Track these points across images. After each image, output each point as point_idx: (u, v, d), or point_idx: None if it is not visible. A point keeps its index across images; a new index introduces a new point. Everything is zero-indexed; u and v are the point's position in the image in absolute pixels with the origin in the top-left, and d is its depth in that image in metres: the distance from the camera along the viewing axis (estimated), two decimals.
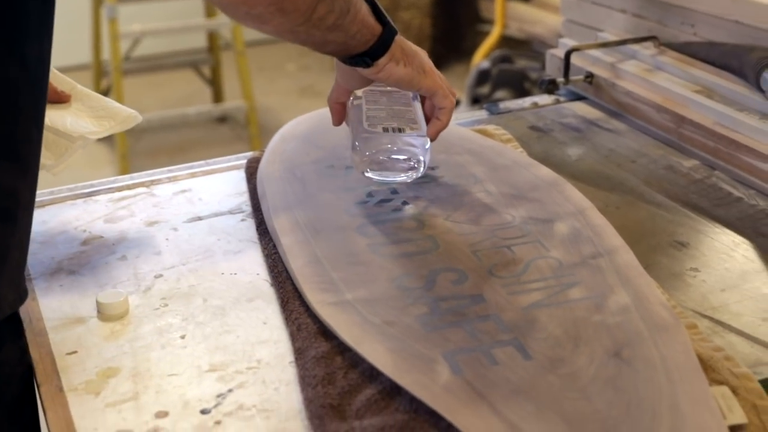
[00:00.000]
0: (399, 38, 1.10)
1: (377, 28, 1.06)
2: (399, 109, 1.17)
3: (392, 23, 1.09)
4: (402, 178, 1.16)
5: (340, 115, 1.18)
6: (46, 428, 0.83)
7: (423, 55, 1.14)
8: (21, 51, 0.88)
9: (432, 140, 1.15)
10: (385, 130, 1.13)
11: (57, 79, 1.15)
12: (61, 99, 1.15)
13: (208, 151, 3.36)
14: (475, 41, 4.19)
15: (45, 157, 1.08)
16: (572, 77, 1.54)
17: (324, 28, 1.01)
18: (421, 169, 1.15)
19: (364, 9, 1.05)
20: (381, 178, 1.15)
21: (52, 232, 1.14)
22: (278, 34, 1.02)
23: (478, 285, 0.97)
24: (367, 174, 1.15)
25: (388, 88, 1.19)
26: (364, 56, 1.07)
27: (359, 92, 1.18)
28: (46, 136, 1.08)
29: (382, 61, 1.08)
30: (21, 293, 0.94)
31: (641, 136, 1.42)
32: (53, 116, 1.11)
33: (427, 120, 1.16)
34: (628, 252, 1.02)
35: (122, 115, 1.15)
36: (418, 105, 1.18)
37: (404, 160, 1.15)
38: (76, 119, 1.13)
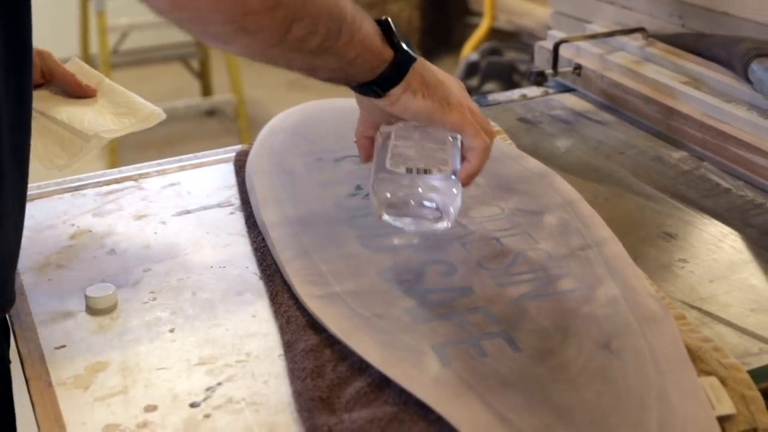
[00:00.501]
0: (420, 65, 0.97)
1: (387, 54, 0.94)
2: (431, 147, 1.01)
3: (409, 48, 0.96)
4: (424, 226, 1.01)
5: (367, 151, 1.05)
6: (35, 423, 0.83)
7: (452, 85, 1.01)
8: None
9: (463, 185, 1.00)
10: (409, 170, 0.99)
11: (84, 71, 1.14)
12: (86, 94, 1.13)
13: (197, 145, 3.35)
14: (464, 33, 4.18)
15: (58, 156, 1.07)
16: (561, 69, 1.54)
17: (306, 51, 0.88)
18: (448, 218, 1.00)
19: (369, 31, 0.93)
20: (399, 224, 1.01)
21: (40, 226, 1.14)
22: (250, 57, 0.91)
23: (467, 277, 0.97)
24: (384, 218, 1.00)
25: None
26: (372, 85, 0.95)
27: (389, 128, 1.03)
28: (61, 133, 1.08)
29: (396, 91, 0.95)
30: (4, 301, 0.93)
31: (630, 128, 1.42)
32: (72, 112, 1.09)
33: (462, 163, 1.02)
34: (616, 243, 1.02)
35: (144, 112, 1.13)
36: (456, 143, 1.01)
37: (427, 206, 1.00)
38: (96, 117, 1.10)
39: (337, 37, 0.89)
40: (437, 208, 0.99)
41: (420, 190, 0.99)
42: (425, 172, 0.99)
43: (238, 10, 0.81)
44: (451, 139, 1.01)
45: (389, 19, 0.96)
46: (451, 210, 0.99)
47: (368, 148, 1.04)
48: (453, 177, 0.99)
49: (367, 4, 4.54)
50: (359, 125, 1.05)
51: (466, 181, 1.00)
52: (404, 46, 0.95)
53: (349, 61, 0.92)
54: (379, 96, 0.96)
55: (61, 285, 1.02)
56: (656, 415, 0.77)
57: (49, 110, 1.09)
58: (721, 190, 1.21)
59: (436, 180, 0.99)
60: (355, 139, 1.05)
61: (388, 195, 0.99)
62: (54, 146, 1.08)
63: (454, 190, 0.99)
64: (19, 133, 0.91)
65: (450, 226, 1.00)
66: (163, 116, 1.15)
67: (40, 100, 1.10)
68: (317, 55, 0.90)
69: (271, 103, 4.14)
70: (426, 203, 0.99)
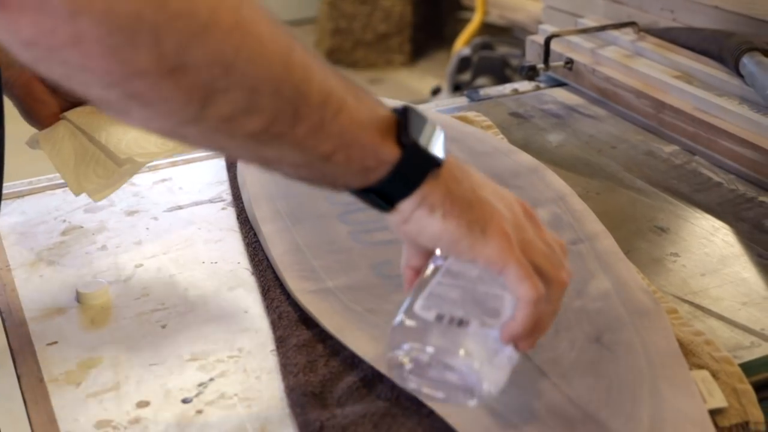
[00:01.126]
0: (450, 172, 0.71)
1: (389, 152, 0.69)
2: (485, 292, 0.73)
3: (432, 145, 0.70)
4: (454, 398, 0.73)
5: (411, 285, 0.77)
6: (27, 419, 0.82)
7: (498, 203, 0.73)
8: None
9: (517, 349, 0.73)
10: (440, 318, 0.72)
11: None
12: None
13: None
14: (456, 28, 4.18)
15: (88, 180, 1.00)
16: (552, 63, 1.54)
17: (243, 136, 0.64)
18: (477, 393, 0.72)
19: (360, 115, 0.68)
20: (414, 386, 0.73)
21: (32, 222, 1.13)
22: (162, 135, 0.72)
23: None
24: (394, 375, 0.74)
25: None
26: (369, 193, 0.71)
27: (444, 258, 0.75)
28: (96, 155, 1.01)
29: (406, 205, 0.70)
30: None
31: (621, 122, 1.42)
32: (114, 132, 1.01)
33: None
34: (608, 237, 1.02)
35: None
36: None
37: (455, 372, 0.71)
38: (139, 138, 1.01)
39: (293, 121, 0.64)
40: (463, 377, 0.71)
41: (445, 349, 0.71)
42: (460, 323, 0.71)
43: (119, 71, 0.57)
44: None
45: (410, 107, 0.72)
46: (485, 384, 0.71)
47: (413, 281, 0.77)
48: (497, 334, 0.72)
49: (359, 1, 4.54)
50: (404, 252, 0.78)
51: (506, 340, 0.72)
52: (423, 143, 0.70)
53: (321, 156, 0.67)
54: (384, 210, 0.72)
55: (52, 281, 1.02)
56: (648, 409, 0.77)
57: (89, 127, 1.01)
58: (713, 184, 1.22)
59: (474, 338, 0.71)
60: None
61: (404, 347, 0.72)
62: (87, 169, 1.00)
63: (500, 355, 0.72)
64: None
65: (482, 401, 0.72)
66: None
67: (85, 115, 1.02)
68: (264, 144, 0.65)
69: None
70: (449, 368, 0.71)
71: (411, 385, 0.73)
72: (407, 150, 0.69)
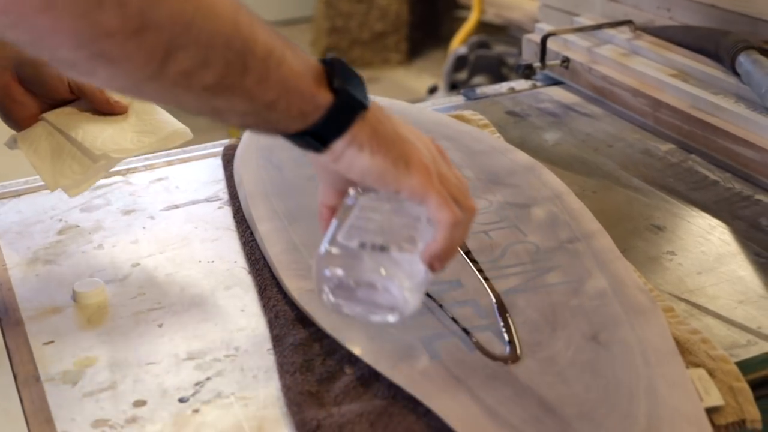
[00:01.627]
0: (374, 114, 0.79)
1: (323, 98, 0.76)
2: (400, 221, 0.83)
3: (360, 91, 0.79)
4: (374, 316, 0.83)
5: (328, 222, 0.85)
6: (23, 419, 0.82)
7: (417, 142, 0.81)
8: None
9: (431, 269, 0.81)
10: (362, 245, 0.81)
11: None
12: (115, 110, 1.05)
13: None
14: (452, 27, 4.18)
15: (64, 176, 1.02)
16: (549, 62, 1.55)
17: (198, 89, 0.71)
18: (401, 311, 0.82)
19: (296, 67, 0.75)
20: (343, 309, 0.83)
21: (28, 221, 1.13)
22: (122, 92, 0.79)
23: (456, 270, 0.97)
24: (323, 297, 0.83)
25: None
26: (306, 136, 0.78)
27: (357, 191, 0.84)
28: (72, 152, 1.03)
29: (338, 145, 0.78)
30: None
31: (618, 121, 1.42)
32: (89, 130, 1.03)
33: None
34: (605, 236, 1.02)
35: (167, 130, 1.07)
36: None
37: (379, 292, 0.81)
38: (115, 135, 1.03)
39: (243, 72, 0.72)
40: (389, 295, 0.81)
41: (369, 271, 0.81)
42: (381, 249, 0.80)
43: (88, 32, 0.63)
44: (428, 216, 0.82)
45: (337, 58, 0.80)
46: (408, 300, 0.81)
47: (329, 219, 0.85)
48: (418, 260, 0.81)
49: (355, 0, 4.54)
50: (320, 192, 0.87)
51: (429, 263, 0.80)
52: (351, 89, 0.78)
53: (266, 104, 0.75)
54: (318, 150, 0.79)
55: (49, 280, 1.02)
56: (645, 407, 0.77)
57: (66, 126, 1.03)
58: (709, 183, 1.22)
59: (393, 261, 0.81)
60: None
61: (331, 272, 0.81)
62: (62, 166, 1.02)
63: (417, 275, 0.81)
64: None
65: (402, 317, 0.82)
66: (190, 136, 1.08)
67: (63, 116, 1.05)
68: (216, 95, 0.72)
69: None
70: (377, 287, 0.81)
71: (342, 309, 0.82)
72: (339, 95, 0.77)
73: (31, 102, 1.04)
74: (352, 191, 0.84)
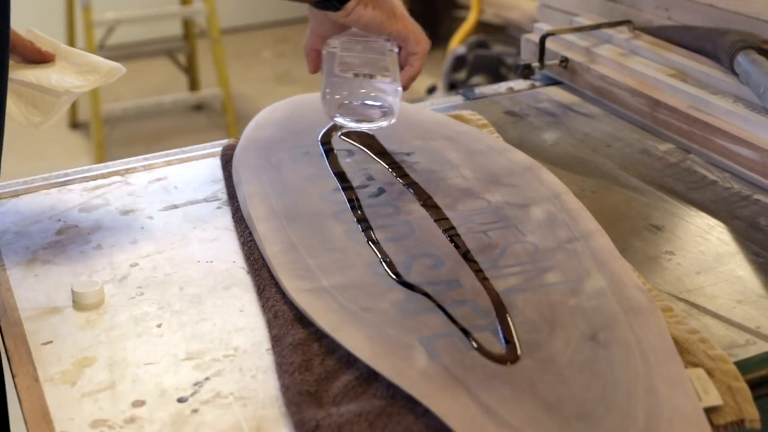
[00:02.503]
0: None
1: None
2: (373, 57, 1.18)
3: None
4: (374, 125, 1.19)
5: (315, 62, 1.20)
6: (22, 419, 0.82)
7: (396, 0, 1.16)
8: None
9: (404, 88, 1.17)
10: (356, 75, 1.17)
11: (40, 40, 1.15)
12: (45, 59, 1.14)
13: (184, 140, 3.35)
14: (451, 27, 4.18)
15: (32, 114, 1.10)
16: (547, 62, 1.55)
17: None
18: (392, 116, 1.18)
19: None
20: (350, 124, 1.19)
21: (27, 221, 1.13)
22: None
23: (455, 270, 0.97)
24: (336, 119, 1.18)
25: (365, 37, 1.19)
26: (330, 0, 1.09)
27: (335, 40, 1.19)
28: (32, 94, 1.10)
29: (350, 4, 1.09)
30: None
31: (616, 121, 1.42)
32: (38, 74, 1.12)
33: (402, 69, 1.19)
34: (603, 236, 1.02)
35: (105, 68, 1.15)
36: (394, 54, 1.18)
37: (375, 106, 1.18)
38: (61, 76, 1.13)
39: None
40: (382, 106, 1.17)
41: (367, 91, 1.17)
42: (370, 76, 1.16)
43: None
44: (390, 50, 1.18)
45: None
46: (395, 108, 1.17)
47: (315, 59, 1.19)
48: (393, 82, 1.16)
49: None
50: (307, 39, 1.19)
51: (407, 84, 1.17)
52: None
53: None
54: (336, 9, 1.09)
55: (47, 280, 1.02)
56: (643, 407, 0.77)
57: (14, 75, 1.11)
58: (708, 182, 1.22)
59: (380, 83, 1.16)
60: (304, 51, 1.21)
61: (338, 97, 1.17)
62: (27, 106, 1.11)
63: (397, 91, 1.16)
64: None
65: (393, 122, 1.18)
66: (124, 71, 1.16)
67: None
68: None
69: (258, 98, 4.13)
70: (373, 102, 1.18)
71: (349, 124, 1.20)
72: None
73: None
74: (330, 40, 1.18)
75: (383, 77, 1.17)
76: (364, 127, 1.20)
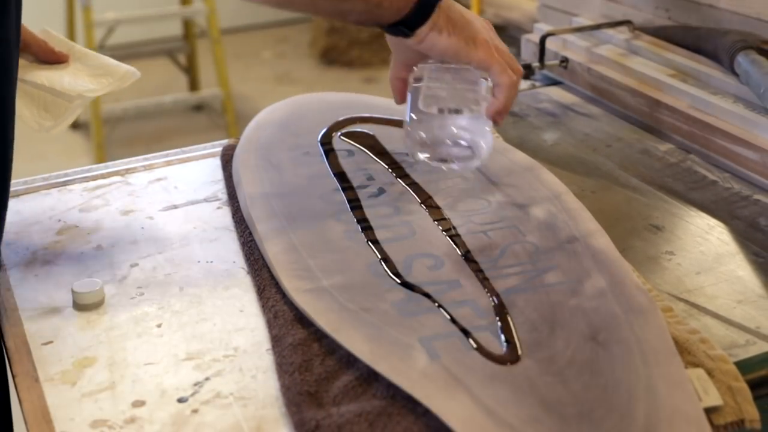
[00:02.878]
0: (446, 5, 1.03)
1: (410, 2, 1.00)
2: (463, 88, 1.08)
3: None
4: (459, 165, 1.11)
5: (400, 92, 1.12)
6: (22, 419, 0.82)
7: (478, 24, 1.06)
8: None
9: (494, 123, 1.07)
10: (441, 111, 1.08)
11: (53, 40, 1.15)
12: (59, 59, 1.14)
13: (184, 140, 3.35)
14: None
15: (44, 118, 1.09)
16: (548, 62, 1.55)
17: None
18: (479, 156, 1.10)
19: None
20: (434, 163, 1.11)
21: (27, 222, 1.13)
22: (277, 5, 1.01)
23: (455, 270, 0.97)
24: (420, 157, 1.11)
25: (454, 65, 1.08)
26: (399, 25, 1.02)
27: (423, 69, 1.09)
28: (44, 97, 1.09)
29: (422, 30, 1.02)
30: None
31: (616, 121, 1.42)
32: (50, 76, 1.11)
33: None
34: (603, 236, 1.02)
35: (120, 72, 1.14)
36: (487, 85, 1.08)
37: (461, 145, 1.10)
38: (74, 79, 1.12)
39: None
40: (469, 147, 1.09)
41: (453, 129, 1.08)
42: (456, 112, 1.07)
43: None
44: (483, 80, 1.07)
45: None
46: (484, 147, 1.09)
47: (401, 89, 1.12)
48: (484, 117, 1.06)
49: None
50: (392, 68, 1.12)
51: (495, 118, 1.06)
52: None
53: (376, 3, 0.99)
54: (407, 36, 1.03)
55: (47, 281, 1.02)
56: (643, 407, 0.77)
57: (27, 76, 1.10)
58: (708, 183, 1.22)
59: (467, 120, 1.08)
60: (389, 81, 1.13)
61: (423, 135, 1.08)
62: (39, 109, 1.10)
63: (486, 129, 1.08)
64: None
65: (482, 163, 1.11)
66: (138, 75, 1.15)
67: (19, 68, 1.10)
68: (344, 1, 0.98)
69: (258, 98, 4.13)
70: (459, 142, 1.09)
71: (431, 163, 1.10)
72: None
73: None
74: (418, 68, 1.09)
75: (471, 112, 1.08)
76: (449, 166, 1.11)
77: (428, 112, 1.07)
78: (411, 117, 1.08)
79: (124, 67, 1.15)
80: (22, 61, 1.12)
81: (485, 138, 1.08)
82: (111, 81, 1.13)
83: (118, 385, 0.86)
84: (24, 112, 1.08)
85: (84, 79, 1.12)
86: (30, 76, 1.10)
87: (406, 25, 1.02)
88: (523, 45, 1.65)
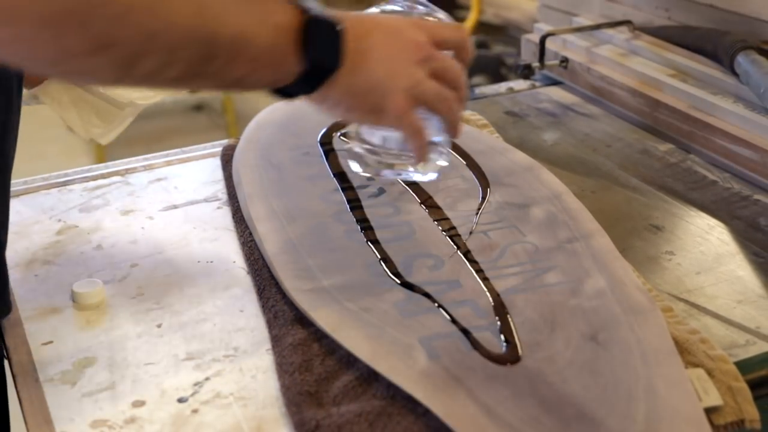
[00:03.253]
0: (349, 71, 0.82)
1: (294, 66, 0.79)
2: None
3: (330, 55, 0.81)
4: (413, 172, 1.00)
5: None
6: (22, 419, 0.82)
7: (401, 55, 0.85)
8: None
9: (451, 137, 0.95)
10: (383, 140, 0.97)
11: None
12: None
13: (184, 140, 3.33)
14: None
15: (95, 125, 1.08)
16: (548, 62, 1.55)
17: (165, 81, 0.75)
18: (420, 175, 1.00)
19: (267, 41, 0.77)
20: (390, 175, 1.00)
21: (27, 222, 1.13)
22: (102, 85, 0.92)
23: (455, 270, 0.97)
24: (383, 175, 0.99)
25: None
26: (277, 92, 0.83)
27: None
28: (97, 103, 1.08)
29: (312, 99, 0.84)
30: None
31: (616, 121, 1.42)
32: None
33: None
34: (603, 236, 1.02)
35: None
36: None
37: (399, 174, 1.00)
38: None
39: (208, 61, 0.74)
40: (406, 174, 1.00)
41: (396, 160, 0.98)
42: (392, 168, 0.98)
43: (58, 56, 0.68)
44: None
45: (316, 16, 0.79)
46: (416, 174, 0.99)
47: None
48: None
49: (354, 0, 4.54)
50: None
51: (417, 160, 0.93)
52: (324, 56, 0.80)
53: (235, 80, 0.78)
54: (291, 99, 0.84)
55: (47, 281, 1.01)
56: (644, 407, 0.77)
57: None
58: (708, 183, 1.22)
59: (403, 157, 0.97)
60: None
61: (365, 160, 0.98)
62: (90, 115, 1.08)
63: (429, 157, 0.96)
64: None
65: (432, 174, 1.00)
66: None
67: None
68: (184, 82, 0.78)
69: (258, 98, 4.11)
70: (400, 172, 0.99)
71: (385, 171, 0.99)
72: (308, 63, 0.79)
73: None
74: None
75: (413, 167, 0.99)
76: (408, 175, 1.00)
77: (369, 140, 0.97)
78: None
79: None
80: None
81: (426, 167, 0.98)
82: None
83: (118, 385, 0.85)
84: (74, 117, 1.06)
85: None
86: None
87: (287, 94, 0.83)
88: (523, 45, 1.65)
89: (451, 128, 0.91)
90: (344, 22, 0.81)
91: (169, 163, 1.29)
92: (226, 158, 1.26)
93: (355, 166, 1.00)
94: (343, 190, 1.12)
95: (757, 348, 0.89)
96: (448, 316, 0.89)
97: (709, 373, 0.83)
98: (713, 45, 1.36)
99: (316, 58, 0.80)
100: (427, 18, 0.96)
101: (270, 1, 0.79)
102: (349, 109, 0.85)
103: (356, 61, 0.82)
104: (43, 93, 1.08)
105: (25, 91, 1.07)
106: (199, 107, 4.13)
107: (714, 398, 0.80)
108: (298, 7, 0.80)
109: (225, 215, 1.14)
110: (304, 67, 0.79)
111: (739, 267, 1.02)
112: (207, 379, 0.86)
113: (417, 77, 0.85)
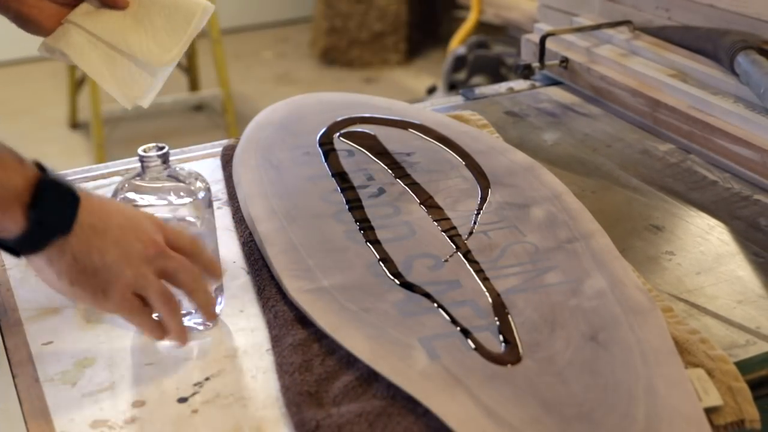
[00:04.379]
0: (80, 238, 0.81)
1: (16, 224, 0.78)
2: None
3: (59, 220, 0.80)
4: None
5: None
6: (22, 419, 0.82)
7: (124, 259, 0.83)
8: None
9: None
10: None
11: None
12: (118, 4, 1.02)
13: (184, 140, 3.34)
14: (451, 27, 4.18)
15: (133, 90, 1.02)
16: (548, 62, 1.55)
17: None
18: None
19: None
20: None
21: None
22: None
23: (455, 270, 0.97)
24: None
25: None
26: (3, 247, 0.81)
27: None
28: (128, 66, 1.02)
29: (35, 262, 0.82)
30: None
31: (616, 121, 1.42)
32: (128, 37, 1.01)
33: None
34: (603, 236, 1.02)
35: (194, 17, 1.03)
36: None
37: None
38: (154, 40, 1.01)
39: None
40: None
41: None
42: None
43: None
44: None
45: (55, 180, 0.80)
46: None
47: None
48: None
49: (355, 0, 4.54)
50: None
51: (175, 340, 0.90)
52: (50, 219, 0.79)
53: None
54: (13, 255, 0.82)
55: None
56: (644, 408, 0.77)
57: (103, 34, 1.00)
58: (708, 183, 1.22)
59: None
60: None
61: None
62: (126, 78, 1.02)
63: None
64: None
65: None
66: (212, 8, 1.05)
67: (89, 19, 1.01)
68: None
69: (258, 98, 4.13)
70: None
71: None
72: (32, 223, 0.78)
73: (45, 3, 1.01)
74: None
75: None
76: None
77: None
78: None
79: (194, 6, 1.03)
80: (88, 8, 1.02)
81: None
82: (189, 31, 1.02)
83: (118, 385, 0.85)
84: (108, 82, 1.01)
85: (165, 36, 1.02)
86: (107, 34, 1.01)
87: (6, 249, 0.81)
88: (523, 45, 1.65)
89: (177, 335, 0.88)
90: (85, 195, 0.82)
91: None
92: (226, 158, 1.26)
93: None
94: (343, 190, 1.12)
95: (757, 348, 0.89)
96: (448, 317, 0.89)
97: (709, 373, 0.83)
98: (713, 45, 1.36)
99: (42, 216, 0.78)
100: (168, 222, 0.91)
101: (8, 158, 0.78)
102: (73, 282, 0.82)
103: (90, 237, 0.82)
104: (65, 45, 1.00)
105: (42, 46, 1.02)
106: (199, 107, 4.13)
107: (714, 398, 0.80)
108: (39, 167, 0.81)
109: (225, 215, 1.14)
110: (27, 227, 0.78)
111: (739, 267, 1.02)
112: (207, 379, 0.86)
113: (143, 271, 0.84)
